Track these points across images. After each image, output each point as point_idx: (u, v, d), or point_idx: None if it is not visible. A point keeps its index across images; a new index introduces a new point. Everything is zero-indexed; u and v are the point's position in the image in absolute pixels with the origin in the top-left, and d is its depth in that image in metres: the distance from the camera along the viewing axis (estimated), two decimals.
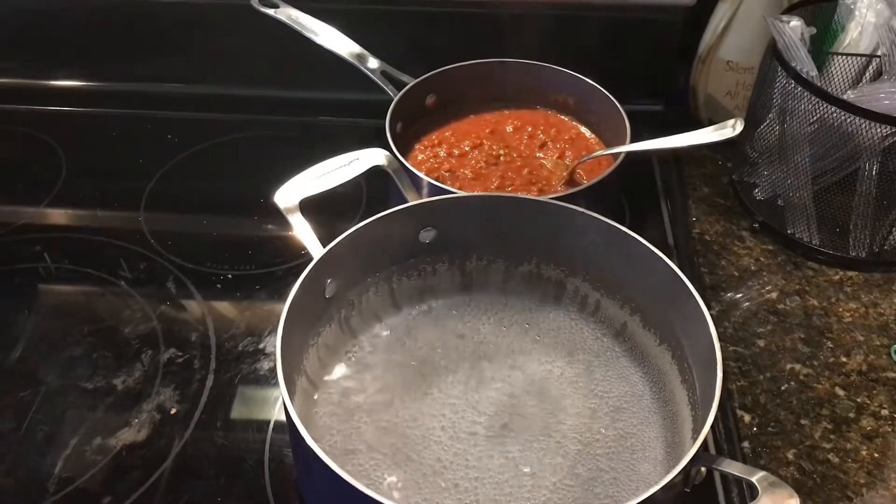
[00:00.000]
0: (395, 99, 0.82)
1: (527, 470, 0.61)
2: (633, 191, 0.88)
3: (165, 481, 0.64)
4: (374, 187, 0.85)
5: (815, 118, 0.77)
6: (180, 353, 0.74)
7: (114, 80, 1.04)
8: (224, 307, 0.78)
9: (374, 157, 0.70)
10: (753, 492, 0.50)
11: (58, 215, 0.90)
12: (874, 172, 0.76)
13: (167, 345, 0.74)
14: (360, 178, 0.69)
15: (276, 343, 0.56)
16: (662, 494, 0.50)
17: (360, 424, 0.64)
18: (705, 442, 0.52)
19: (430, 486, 0.60)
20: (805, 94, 0.77)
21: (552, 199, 0.70)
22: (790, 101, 0.78)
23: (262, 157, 0.96)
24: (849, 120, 0.75)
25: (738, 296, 0.79)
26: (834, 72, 0.81)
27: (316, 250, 0.64)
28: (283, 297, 0.60)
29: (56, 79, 1.04)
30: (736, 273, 0.81)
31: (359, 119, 0.98)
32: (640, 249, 0.65)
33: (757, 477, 0.50)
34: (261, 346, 0.74)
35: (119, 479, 0.64)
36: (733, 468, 0.52)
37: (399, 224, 0.68)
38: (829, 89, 0.79)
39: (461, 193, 0.71)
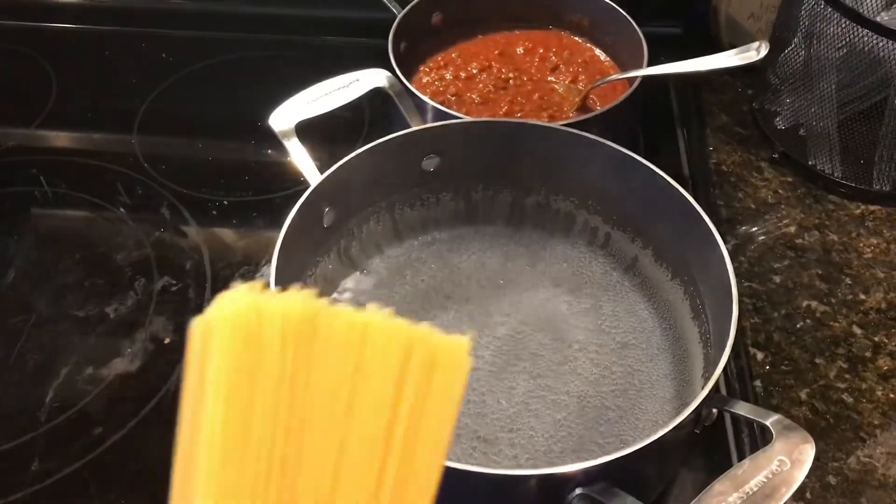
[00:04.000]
0: (399, 16, 0.78)
1: (531, 406, 0.59)
2: (648, 118, 0.84)
3: (158, 413, 0.63)
4: (376, 111, 0.82)
5: (844, 42, 0.73)
6: (174, 282, 0.71)
7: None
8: (220, 235, 0.76)
9: (375, 78, 0.66)
10: (767, 435, 0.48)
11: (48, 137, 0.87)
12: None
13: (161, 273, 0.72)
14: (362, 101, 0.66)
15: (271, 272, 0.54)
16: (672, 435, 0.48)
17: None
18: (716, 381, 0.50)
19: None
20: (835, 15, 0.72)
21: (563, 125, 0.66)
22: (818, 24, 0.74)
23: (259, 77, 0.92)
24: (881, 44, 0.70)
25: (754, 229, 0.76)
26: None
27: (313, 177, 0.61)
28: (280, 226, 0.57)
29: None
30: (753, 205, 0.78)
31: (361, 39, 0.94)
32: (654, 180, 0.62)
33: (771, 420, 0.48)
34: (258, 275, 0.72)
35: (112, 410, 0.63)
36: (746, 410, 0.50)
37: (401, 150, 0.65)
38: (860, 10, 0.74)
39: (467, 119, 0.67)
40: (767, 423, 0.48)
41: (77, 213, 0.78)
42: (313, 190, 0.59)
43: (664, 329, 0.64)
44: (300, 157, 0.62)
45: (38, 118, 0.87)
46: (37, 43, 0.96)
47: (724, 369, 0.64)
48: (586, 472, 0.45)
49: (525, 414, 0.59)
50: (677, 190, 0.60)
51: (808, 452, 0.45)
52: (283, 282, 0.55)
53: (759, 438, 0.60)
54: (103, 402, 0.63)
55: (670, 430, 0.47)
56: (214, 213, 0.77)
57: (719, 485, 0.43)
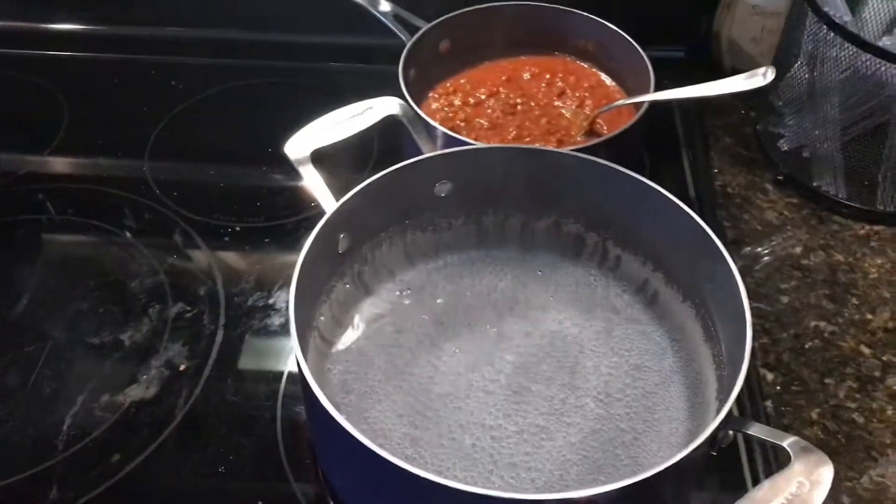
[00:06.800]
0: (409, 45, 0.79)
1: (547, 429, 0.60)
2: (653, 140, 0.85)
3: (175, 439, 0.63)
4: (386, 135, 0.83)
5: (847, 65, 0.74)
6: (188, 308, 0.72)
7: (115, 24, 1.01)
8: (233, 261, 0.76)
9: (388, 105, 0.67)
10: (782, 456, 0.48)
11: (61, 165, 0.88)
12: None
13: (175, 299, 0.72)
14: (371, 127, 0.66)
15: (289, 301, 0.54)
16: (689, 458, 0.48)
17: (374, 383, 0.62)
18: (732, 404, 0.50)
19: (446, 447, 0.58)
20: (837, 40, 0.73)
21: (572, 150, 0.67)
22: (821, 48, 0.75)
23: (270, 104, 0.93)
24: (883, 68, 0.72)
25: (760, 250, 0.77)
26: (867, 16, 0.77)
27: (328, 204, 0.61)
28: (293, 251, 0.58)
29: (55, 22, 1.01)
30: (759, 227, 0.79)
31: (369, 65, 0.95)
32: (664, 204, 0.62)
33: (788, 442, 0.48)
34: (271, 301, 0.72)
35: (128, 437, 0.63)
36: (762, 432, 0.51)
37: (414, 177, 0.65)
38: (862, 35, 0.75)
39: (478, 145, 0.68)
40: (784, 444, 0.48)
41: (89, 240, 0.79)
42: (329, 217, 0.60)
43: (677, 351, 0.64)
44: (316, 185, 0.62)
45: (49, 146, 0.88)
46: (48, 71, 0.96)
47: None
48: (607, 496, 0.46)
49: (541, 438, 0.59)
50: (688, 214, 0.61)
51: (827, 474, 0.46)
52: (301, 308, 0.56)
53: (776, 465, 0.60)
54: (120, 429, 0.64)
55: (688, 454, 0.48)
56: (227, 238, 0.78)
57: None
